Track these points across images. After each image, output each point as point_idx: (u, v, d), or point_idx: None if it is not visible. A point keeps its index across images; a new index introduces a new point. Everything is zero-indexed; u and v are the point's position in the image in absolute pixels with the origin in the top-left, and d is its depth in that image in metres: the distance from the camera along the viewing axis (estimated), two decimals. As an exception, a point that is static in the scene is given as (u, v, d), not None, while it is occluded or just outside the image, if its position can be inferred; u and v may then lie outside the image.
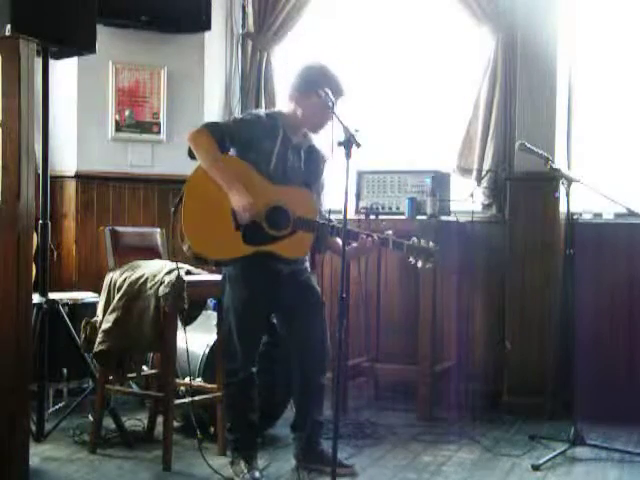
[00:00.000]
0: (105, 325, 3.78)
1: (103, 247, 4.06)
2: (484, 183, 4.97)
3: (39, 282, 4.05)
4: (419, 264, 3.49)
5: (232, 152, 3.50)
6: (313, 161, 3.63)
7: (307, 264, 3.69)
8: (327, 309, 4.82)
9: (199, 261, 3.53)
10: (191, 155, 3.45)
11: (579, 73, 5.03)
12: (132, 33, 5.23)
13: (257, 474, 3.45)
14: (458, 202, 4.90)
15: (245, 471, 3.45)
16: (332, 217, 3.60)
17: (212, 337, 3.92)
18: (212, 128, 3.42)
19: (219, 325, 3.81)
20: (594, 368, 4.61)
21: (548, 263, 4.73)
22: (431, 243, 3.52)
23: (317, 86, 3.43)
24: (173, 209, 3.41)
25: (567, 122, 5.00)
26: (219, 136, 3.40)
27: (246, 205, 3.34)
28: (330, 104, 3.27)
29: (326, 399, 4.04)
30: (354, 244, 3.51)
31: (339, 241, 3.58)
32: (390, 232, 3.59)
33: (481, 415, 4.63)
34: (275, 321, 3.71)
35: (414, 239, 3.53)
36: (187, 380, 3.93)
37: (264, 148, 3.46)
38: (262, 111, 3.67)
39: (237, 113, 5.46)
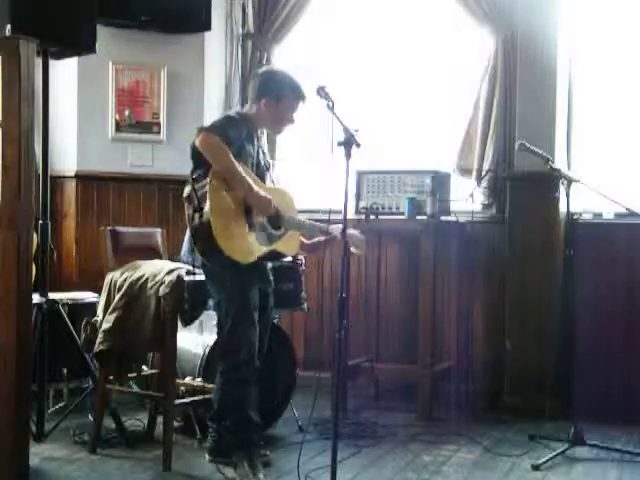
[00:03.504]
0: (105, 325, 3.78)
1: (103, 247, 4.06)
2: (484, 183, 4.97)
3: (39, 282, 4.05)
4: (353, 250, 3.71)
5: None
6: (265, 162, 3.76)
7: None
8: (327, 309, 4.85)
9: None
10: (198, 160, 3.43)
11: (579, 73, 5.02)
12: (132, 33, 5.23)
13: (261, 476, 3.43)
14: (458, 202, 4.91)
15: (250, 474, 3.41)
16: (331, 217, 3.61)
17: (212, 337, 3.92)
18: (219, 132, 3.39)
19: (219, 325, 3.79)
20: (594, 368, 4.61)
21: (548, 263, 4.73)
22: (358, 231, 3.77)
23: (288, 93, 3.58)
24: (197, 220, 3.36)
25: (567, 122, 5.00)
26: (226, 139, 3.39)
27: (267, 202, 3.43)
28: (330, 104, 3.26)
29: (326, 399, 4.05)
30: (316, 239, 3.73)
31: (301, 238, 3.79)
32: (334, 227, 3.72)
33: (481, 415, 4.63)
34: None
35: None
36: (187, 380, 3.93)
37: (246, 149, 3.53)
38: (235, 113, 3.69)
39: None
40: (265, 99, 3.58)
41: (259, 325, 3.55)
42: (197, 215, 3.35)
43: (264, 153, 3.78)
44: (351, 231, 3.71)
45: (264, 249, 3.50)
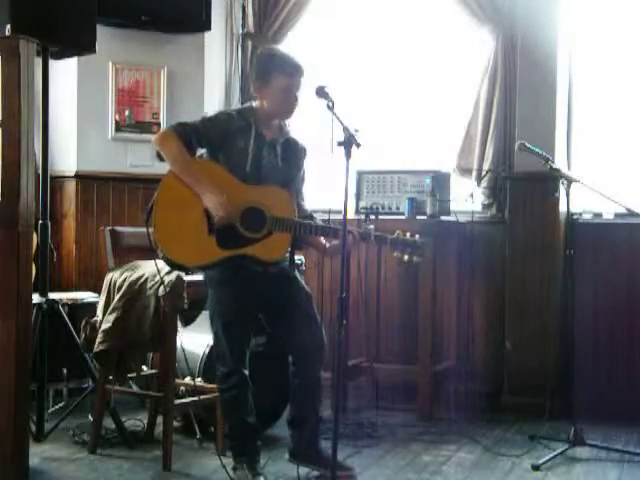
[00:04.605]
0: (105, 325, 3.78)
1: (103, 247, 4.06)
2: (484, 183, 4.97)
3: (39, 282, 4.05)
4: (405, 258, 3.37)
5: (204, 153, 3.45)
6: (292, 155, 3.54)
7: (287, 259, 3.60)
8: (327, 309, 4.83)
9: (175, 268, 3.50)
10: (160, 157, 3.41)
11: (579, 73, 5.03)
12: (132, 33, 5.23)
13: (262, 479, 3.42)
14: (458, 202, 4.91)
15: (250, 476, 3.40)
16: (331, 217, 3.53)
17: (212, 337, 3.92)
18: (180, 130, 3.34)
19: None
20: (594, 368, 4.61)
21: (548, 263, 4.73)
22: (417, 236, 3.39)
23: (272, 71, 3.39)
24: (146, 217, 3.33)
25: (567, 122, 5.00)
26: (187, 138, 3.33)
27: (220, 202, 3.28)
28: (330, 104, 3.24)
29: (326, 399, 4.05)
30: (335, 241, 3.47)
31: (320, 238, 3.56)
32: (372, 227, 3.54)
33: (481, 415, 4.63)
34: (263, 321, 3.60)
35: (398, 232, 3.41)
36: (187, 380, 3.93)
37: (236, 147, 3.39)
38: (233, 109, 3.62)
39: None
40: (254, 85, 3.48)
41: (291, 330, 3.51)
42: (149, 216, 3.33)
43: (293, 149, 3.54)
44: (399, 236, 3.39)
45: (225, 253, 3.31)
